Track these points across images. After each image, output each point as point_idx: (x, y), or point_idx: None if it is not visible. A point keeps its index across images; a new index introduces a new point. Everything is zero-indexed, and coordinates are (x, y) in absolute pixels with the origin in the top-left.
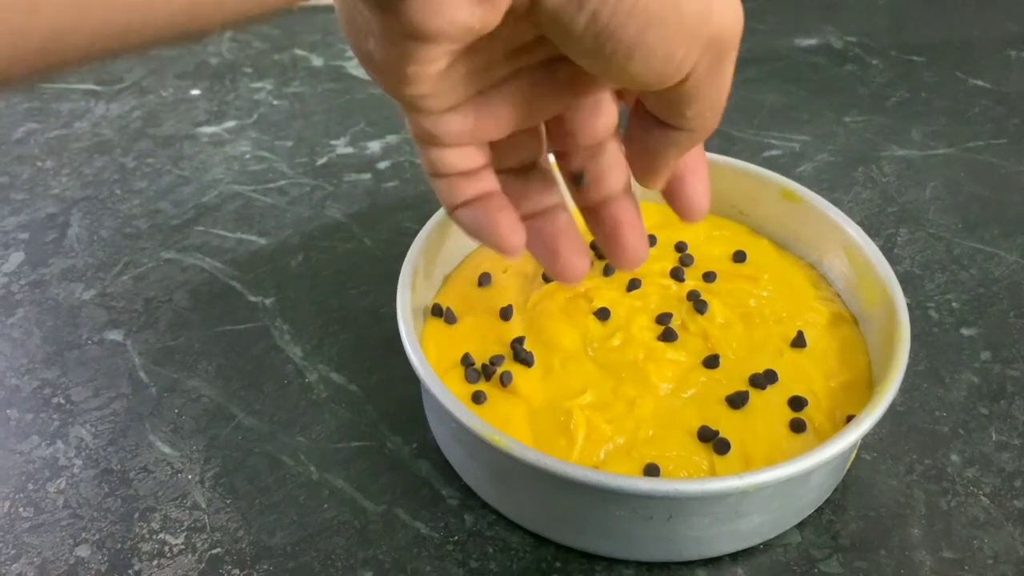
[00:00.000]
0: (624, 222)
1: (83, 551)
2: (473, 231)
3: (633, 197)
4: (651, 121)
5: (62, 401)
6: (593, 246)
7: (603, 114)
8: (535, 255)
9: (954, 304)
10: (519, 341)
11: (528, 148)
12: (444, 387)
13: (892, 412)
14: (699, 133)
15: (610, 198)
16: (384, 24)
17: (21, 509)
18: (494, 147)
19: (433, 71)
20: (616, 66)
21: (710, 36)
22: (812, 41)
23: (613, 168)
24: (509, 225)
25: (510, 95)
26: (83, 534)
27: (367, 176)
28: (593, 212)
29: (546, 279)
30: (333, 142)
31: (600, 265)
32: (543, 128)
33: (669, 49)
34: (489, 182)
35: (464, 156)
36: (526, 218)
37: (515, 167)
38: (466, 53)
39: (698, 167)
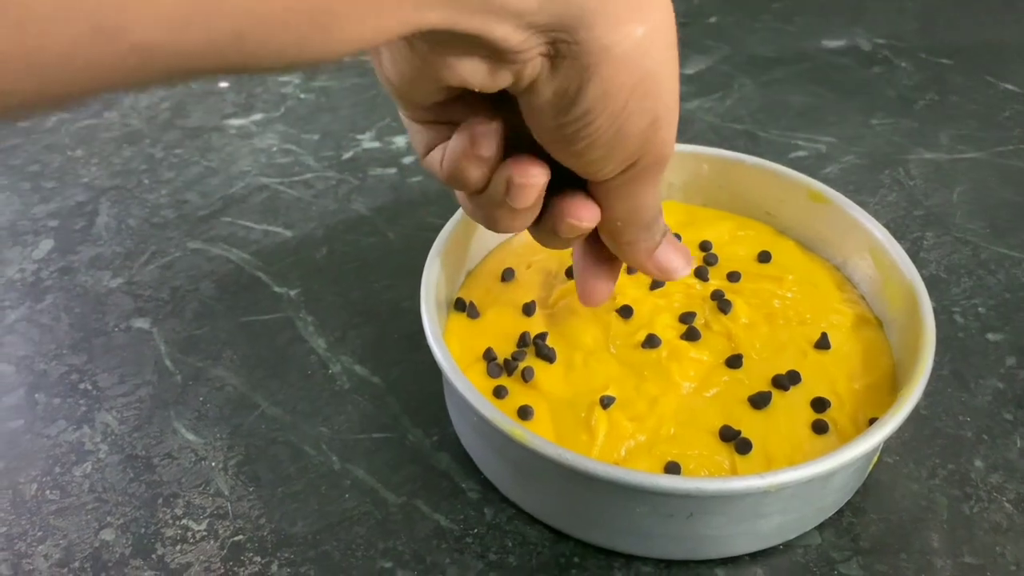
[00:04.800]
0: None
1: (108, 535)
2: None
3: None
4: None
5: (89, 387)
6: None
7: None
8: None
9: (980, 309)
10: (541, 337)
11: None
12: (466, 380)
13: (916, 416)
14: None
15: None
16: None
17: (48, 492)
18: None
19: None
20: (571, 151)
21: (643, 157)
22: (840, 43)
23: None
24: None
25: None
26: (108, 518)
27: (392, 171)
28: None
29: (569, 275)
30: (359, 136)
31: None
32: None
33: (612, 161)
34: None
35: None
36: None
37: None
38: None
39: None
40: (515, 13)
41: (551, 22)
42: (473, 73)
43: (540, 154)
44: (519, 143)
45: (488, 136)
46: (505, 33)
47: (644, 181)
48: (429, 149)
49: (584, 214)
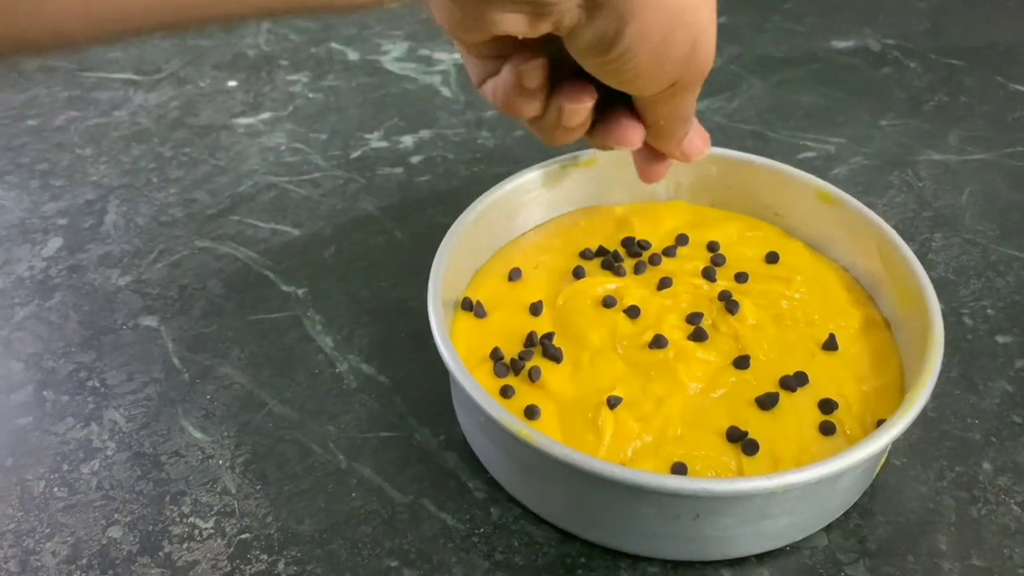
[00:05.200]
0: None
1: (115, 532)
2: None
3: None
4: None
5: (97, 384)
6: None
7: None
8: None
9: (989, 311)
10: (548, 337)
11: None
12: (473, 380)
13: (923, 418)
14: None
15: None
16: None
17: (56, 489)
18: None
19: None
20: (616, 80)
21: (684, 77)
22: (849, 43)
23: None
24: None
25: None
26: (115, 515)
27: (400, 170)
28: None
29: (576, 276)
30: (367, 136)
31: (631, 263)
32: None
33: (655, 85)
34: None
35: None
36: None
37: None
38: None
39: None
40: None
41: None
42: (514, 24)
43: (586, 75)
44: (567, 65)
45: (533, 71)
46: None
47: (685, 93)
48: (483, 80)
49: (632, 137)
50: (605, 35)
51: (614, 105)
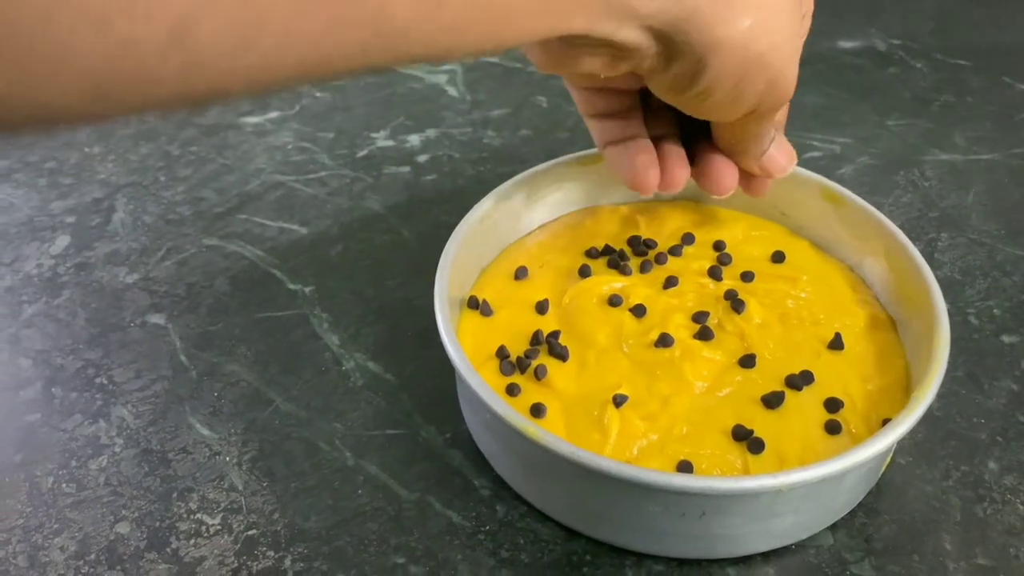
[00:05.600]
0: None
1: (123, 528)
2: (616, 166)
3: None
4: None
5: (105, 381)
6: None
7: None
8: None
9: (995, 311)
10: (554, 335)
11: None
12: (479, 377)
13: (929, 417)
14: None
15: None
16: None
17: (64, 485)
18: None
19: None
20: (693, 112)
21: (761, 106)
22: (855, 43)
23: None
24: (645, 164)
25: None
26: (123, 511)
27: (406, 169)
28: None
29: (582, 274)
30: (373, 135)
31: (637, 262)
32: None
33: (732, 115)
34: (635, 129)
35: (611, 102)
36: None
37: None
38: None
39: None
40: (637, 16)
41: (666, 24)
42: (595, 66)
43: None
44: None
45: (648, 172)
46: (628, 36)
47: (763, 119)
48: (604, 134)
49: (726, 184)
50: (683, 77)
51: (704, 145)
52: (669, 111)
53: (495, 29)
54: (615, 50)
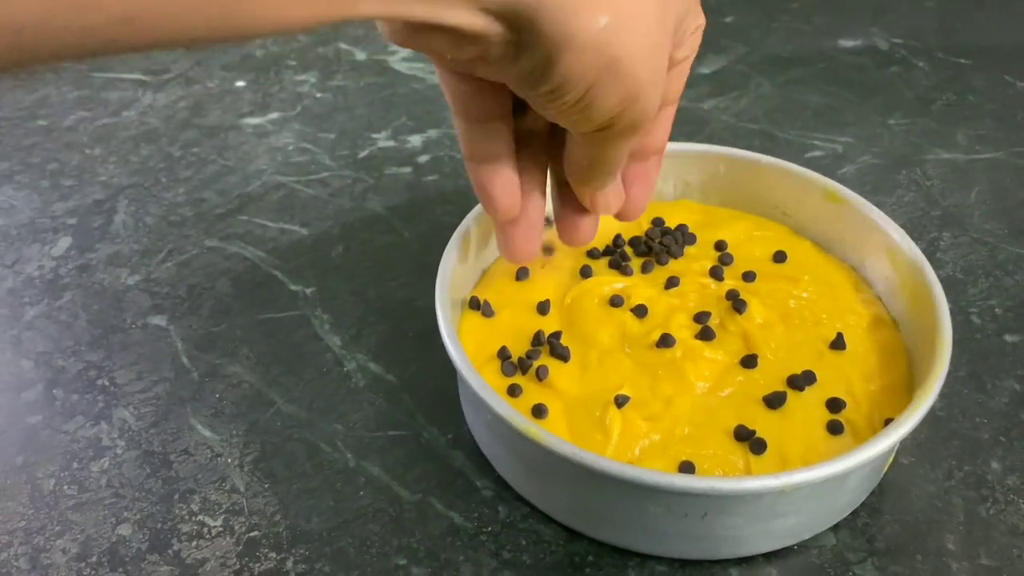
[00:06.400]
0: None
1: (125, 529)
2: (475, 186)
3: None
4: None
5: (106, 383)
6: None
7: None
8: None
9: (997, 310)
10: (556, 336)
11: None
12: (481, 378)
13: (932, 417)
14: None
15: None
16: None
17: (66, 487)
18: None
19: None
20: (546, 113)
21: (616, 124)
22: (857, 42)
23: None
24: (503, 185)
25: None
26: (125, 513)
27: (407, 170)
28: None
29: (584, 275)
30: (375, 135)
31: (639, 262)
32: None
33: (584, 125)
34: (501, 147)
35: (481, 99)
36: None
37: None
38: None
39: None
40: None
41: (508, 8)
42: (441, 47)
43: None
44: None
45: (503, 195)
46: (459, 19)
47: (617, 140)
48: (470, 146)
49: (584, 236)
50: (533, 72)
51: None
52: (543, 143)
53: (228, 13)
54: (451, 34)
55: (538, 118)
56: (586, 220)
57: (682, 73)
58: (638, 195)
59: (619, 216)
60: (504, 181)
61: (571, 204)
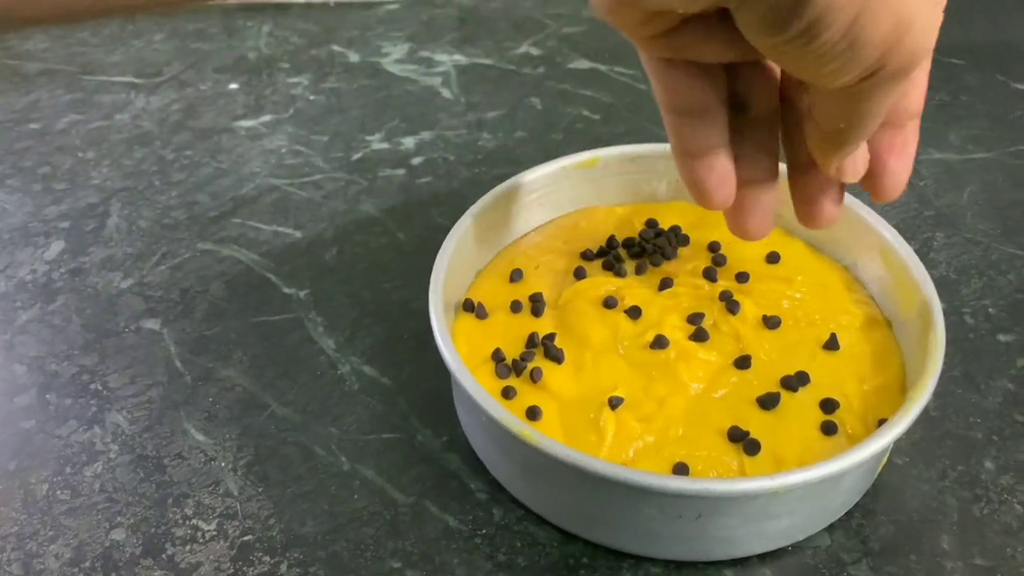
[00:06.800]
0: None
1: (118, 534)
2: (686, 181)
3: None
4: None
5: (99, 387)
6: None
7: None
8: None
9: (991, 310)
10: (550, 337)
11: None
12: (475, 381)
13: (925, 417)
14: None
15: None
16: None
17: (59, 492)
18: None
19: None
20: (796, 66)
21: (887, 65)
22: None
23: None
24: (719, 180)
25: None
26: (118, 518)
27: (401, 171)
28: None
29: (577, 276)
30: (368, 138)
31: (632, 264)
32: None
33: (845, 74)
34: (716, 137)
35: (694, 88)
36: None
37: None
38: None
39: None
40: None
41: None
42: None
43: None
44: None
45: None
46: None
47: (884, 88)
48: (682, 140)
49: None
50: (782, 6)
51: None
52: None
53: None
54: None
55: (766, 101)
56: (828, 197)
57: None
58: (898, 168)
59: (879, 195)
60: (720, 175)
61: (809, 186)
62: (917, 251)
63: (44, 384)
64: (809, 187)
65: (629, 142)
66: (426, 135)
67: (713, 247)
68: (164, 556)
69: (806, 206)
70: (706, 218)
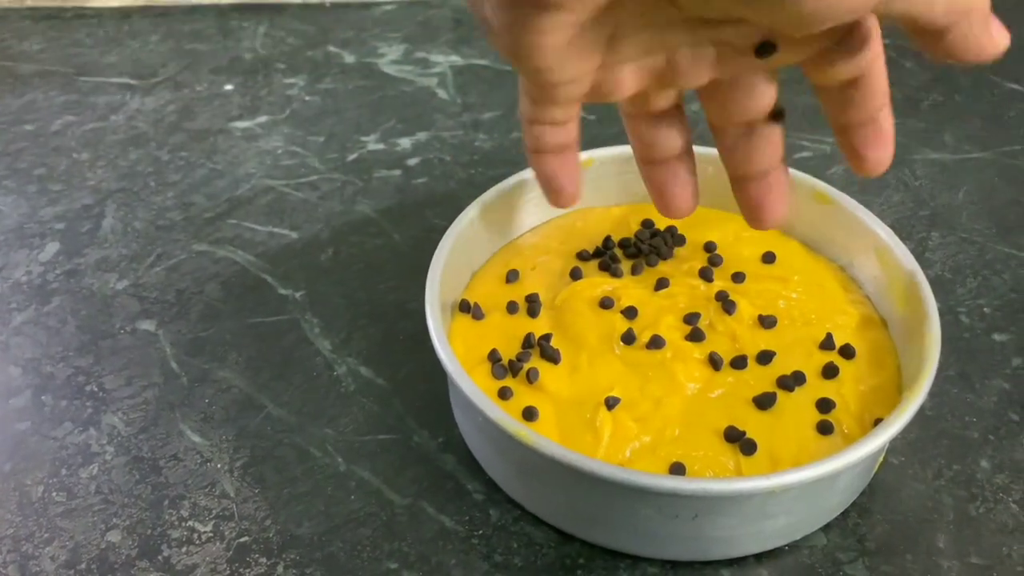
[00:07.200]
0: (766, 200)
1: (114, 536)
2: (540, 178)
3: (783, 173)
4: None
5: (95, 389)
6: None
7: (757, 96)
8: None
9: (986, 309)
10: (546, 338)
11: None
12: (471, 381)
13: (921, 417)
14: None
15: (756, 175)
16: None
17: (54, 494)
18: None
19: (552, 42)
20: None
21: None
22: None
23: (762, 149)
24: (568, 177)
25: (640, 69)
26: (114, 519)
27: (397, 172)
28: (740, 183)
29: (573, 276)
30: (364, 138)
31: (628, 264)
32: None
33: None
34: (571, 134)
35: (565, 112)
36: (646, 163)
37: (647, 113)
38: (591, 26)
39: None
40: None
41: None
42: None
43: None
44: None
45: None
46: None
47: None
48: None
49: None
50: None
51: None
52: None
53: None
54: None
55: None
56: (883, 153)
57: None
58: (879, 156)
59: (866, 174)
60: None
61: (752, 193)
62: (912, 251)
63: (39, 386)
64: (751, 194)
65: (624, 143)
66: (422, 136)
67: (709, 247)
68: (160, 558)
69: (754, 211)
70: (702, 218)
